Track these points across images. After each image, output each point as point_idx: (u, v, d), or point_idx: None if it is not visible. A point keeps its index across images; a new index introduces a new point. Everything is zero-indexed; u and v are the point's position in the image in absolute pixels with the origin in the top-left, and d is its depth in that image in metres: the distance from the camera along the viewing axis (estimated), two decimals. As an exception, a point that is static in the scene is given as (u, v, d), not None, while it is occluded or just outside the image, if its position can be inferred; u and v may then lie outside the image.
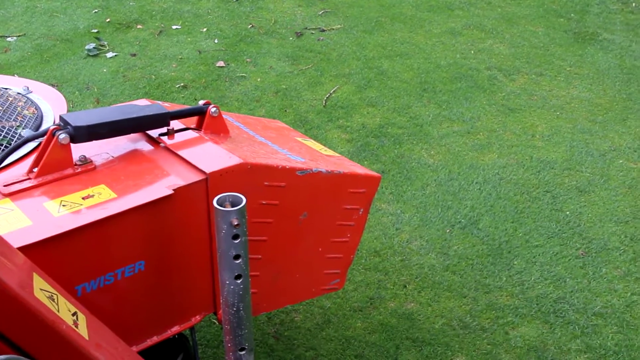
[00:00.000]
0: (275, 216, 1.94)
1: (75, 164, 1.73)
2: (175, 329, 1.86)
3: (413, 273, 3.23)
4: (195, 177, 1.72)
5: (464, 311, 3.03)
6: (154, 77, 5.08)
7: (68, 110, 2.22)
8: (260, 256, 1.96)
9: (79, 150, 1.76)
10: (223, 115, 2.02)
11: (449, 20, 6.33)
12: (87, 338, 1.39)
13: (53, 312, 1.31)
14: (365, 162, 4.04)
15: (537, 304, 3.07)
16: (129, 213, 1.60)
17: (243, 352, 1.72)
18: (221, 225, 1.53)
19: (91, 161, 1.75)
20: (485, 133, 4.44)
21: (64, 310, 1.37)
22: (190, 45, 5.63)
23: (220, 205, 1.53)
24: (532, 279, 3.21)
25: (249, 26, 6.06)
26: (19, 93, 2.25)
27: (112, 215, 1.57)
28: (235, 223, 1.51)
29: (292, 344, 2.82)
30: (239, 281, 1.60)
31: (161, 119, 1.85)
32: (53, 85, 4.51)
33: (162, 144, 1.87)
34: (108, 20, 6.09)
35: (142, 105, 1.89)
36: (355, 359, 2.77)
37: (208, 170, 1.73)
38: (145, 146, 1.88)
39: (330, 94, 4.89)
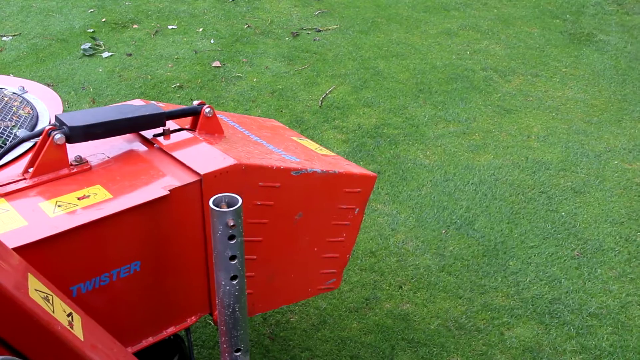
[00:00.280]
0: (270, 216, 1.94)
1: (71, 164, 1.72)
2: (171, 329, 1.86)
3: (409, 274, 3.23)
4: (190, 178, 1.72)
5: (459, 312, 3.03)
6: (149, 77, 5.07)
7: (64, 110, 2.22)
8: (255, 257, 1.96)
9: (74, 150, 1.75)
10: (218, 115, 2.02)
11: (445, 21, 6.34)
12: (82, 339, 1.38)
13: (48, 313, 1.31)
14: (361, 163, 4.05)
15: (532, 305, 3.08)
16: (124, 213, 1.60)
17: (239, 353, 1.72)
18: (217, 226, 1.52)
19: (87, 161, 1.75)
20: (480, 134, 4.45)
21: (59, 311, 1.36)
22: (186, 45, 5.63)
23: (216, 206, 1.53)
24: (528, 279, 3.22)
25: (245, 26, 6.05)
26: (14, 93, 2.24)
27: (107, 216, 1.57)
28: (231, 224, 1.51)
29: (287, 345, 2.82)
30: (234, 282, 1.59)
31: (157, 119, 1.85)
32: (49, 85, 4.50)
33: (156, 145, 1.87)
34: (104, 20, 6.08)
35: (138, 106, 1.88)
36: (350, 360, 2.78)
37: (202, 171, 1.72)
38: (141, 147, 1.88)
39: (326, 94, 4.89)
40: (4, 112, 2.06)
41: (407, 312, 3.02)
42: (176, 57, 5.41)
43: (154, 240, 1.70)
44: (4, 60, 5.32)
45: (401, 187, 3.87)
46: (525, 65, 5.47)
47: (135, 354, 1.76)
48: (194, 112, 1.96)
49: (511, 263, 3.32)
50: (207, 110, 1.95)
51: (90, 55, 5.38)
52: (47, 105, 2.20)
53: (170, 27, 5.98)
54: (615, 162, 4.17)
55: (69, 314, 1.40)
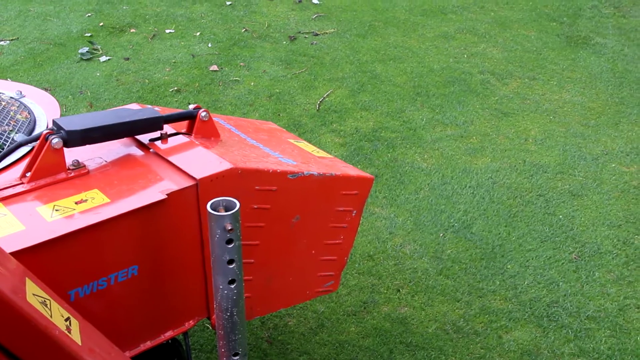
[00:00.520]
0: (267, 220, 1.94)
1: (69, 169, 1.72)
2: (169, 333, 1.86)
3: (406, 277, 3.23)
4: (186, 182, 1.72)
5: (457, 315, 3.03)
6: (147, 81, 5.07)
7: (61, 115, 2.22)
8: (253, 260, 1.96)
9: (72, 154, 1.75)
10: (214, 118, 2.02)
11: (442, 25, 6.35)
12: (80, 343, 1.38)
13: (46, 318, 1.31)
14: (359, 166, 4.05)
15: (530, 308, 3.08)
16: (122, 218, 1.60)
17: (237, 357, 1.72)
18: (215, 230, 1.52)
19: (84, 166, 1.75)
20: (478, 137, 4.46)
21: (57, 316, 1.36)
22: (183, 49, 5.63)
23: (214, 210, 1.53)
24: (526, 282, 3.22)
25: (243, 30, 6.06)
26: (11, 97, 2.24)
27: (105, 220, 1.57)
28: (229, 227, 1.51)
29: (285, 349, 2.82)
30: (232, 286, 1.59)
31: (155, 123, 1.85)
32: (46, 90, 4.50)
33: (152, 150, 1.87)
34: (101, 24, 6.08)
35: (136, 110, 1.88)
36: (349, 363, 2.78)
37: (198, 176, 1.72)
38: (138, 151, 1.88)
39: (324, 98, 4.89)
40: (2, 117, 2.06)
41: (405, 315, 3.02)
42: (174, 61, 5.41)
43: (152, 245, 1.70)
44: (1, 64, 5.32)
45: (399, 191, 3.87)
46: (523, 69, 5.49)
47: (133, 358, 1.76)
48: (190, 116, 1.96)
49: (509, 266, 3.32)
50: (203, 114, 1.95)
51: (87, 60, 5.38)
52: (44, 110, 2.20)
53: (167, 31, 5.99)
54: (613, 165, 4.18)
55: (67, 319, 1.40)
